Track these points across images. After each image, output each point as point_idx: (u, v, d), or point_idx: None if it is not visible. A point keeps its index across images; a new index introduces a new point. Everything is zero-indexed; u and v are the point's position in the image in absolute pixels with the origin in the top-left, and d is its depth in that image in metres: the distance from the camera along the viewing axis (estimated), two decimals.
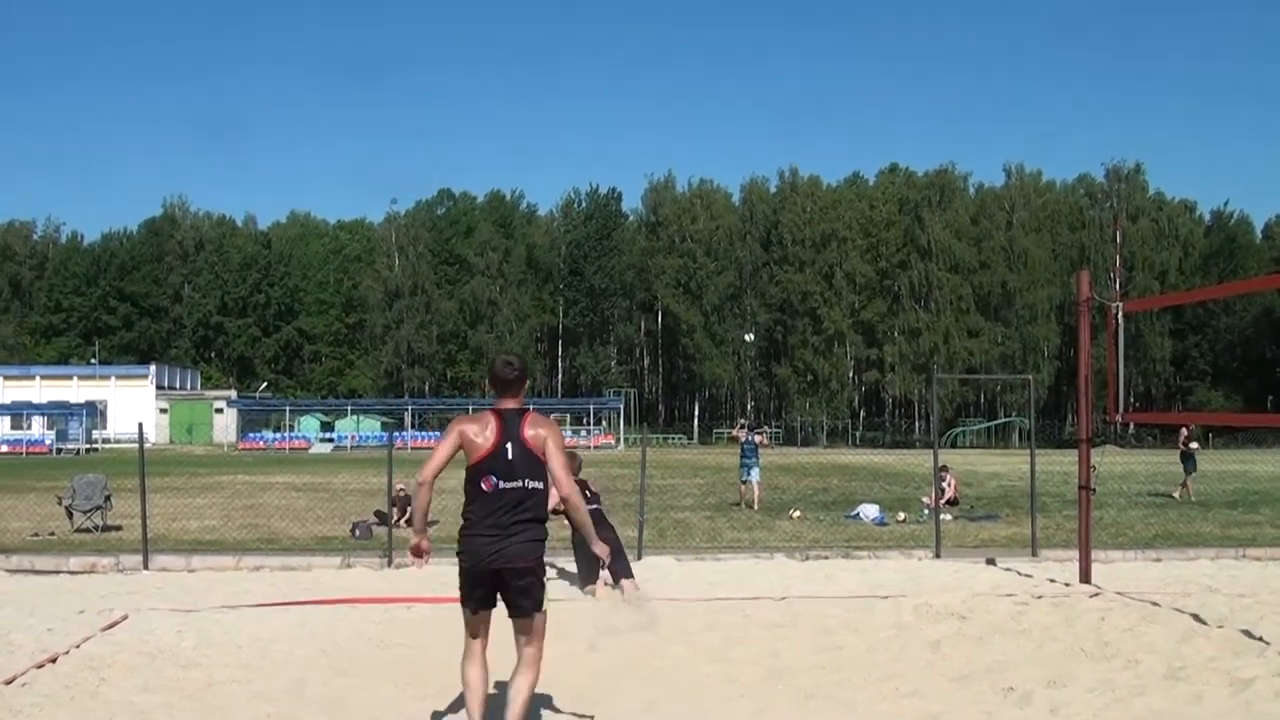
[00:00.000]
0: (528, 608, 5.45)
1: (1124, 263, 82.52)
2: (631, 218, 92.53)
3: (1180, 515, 18.75)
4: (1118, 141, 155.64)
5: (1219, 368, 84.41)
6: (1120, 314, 10.58)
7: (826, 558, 13.22)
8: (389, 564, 12.65)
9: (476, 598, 5.49)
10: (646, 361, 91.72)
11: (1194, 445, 23.47)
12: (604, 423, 70.66)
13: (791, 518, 18.02)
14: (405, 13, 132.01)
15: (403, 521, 16.57)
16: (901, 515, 18.09)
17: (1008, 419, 77.03)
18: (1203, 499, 21.94)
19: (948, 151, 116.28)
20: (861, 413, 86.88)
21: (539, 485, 5.42)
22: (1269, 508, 19.90)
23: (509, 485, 5.37)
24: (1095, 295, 11.39)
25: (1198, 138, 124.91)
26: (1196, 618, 9.04)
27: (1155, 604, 9.73)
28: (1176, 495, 22.47)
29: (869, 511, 18.05)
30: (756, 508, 19.96)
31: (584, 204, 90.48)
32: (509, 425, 5.42)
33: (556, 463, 5.45)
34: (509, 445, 5.38)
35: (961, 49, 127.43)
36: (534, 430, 5.43)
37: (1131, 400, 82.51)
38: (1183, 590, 10.67)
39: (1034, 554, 13.10)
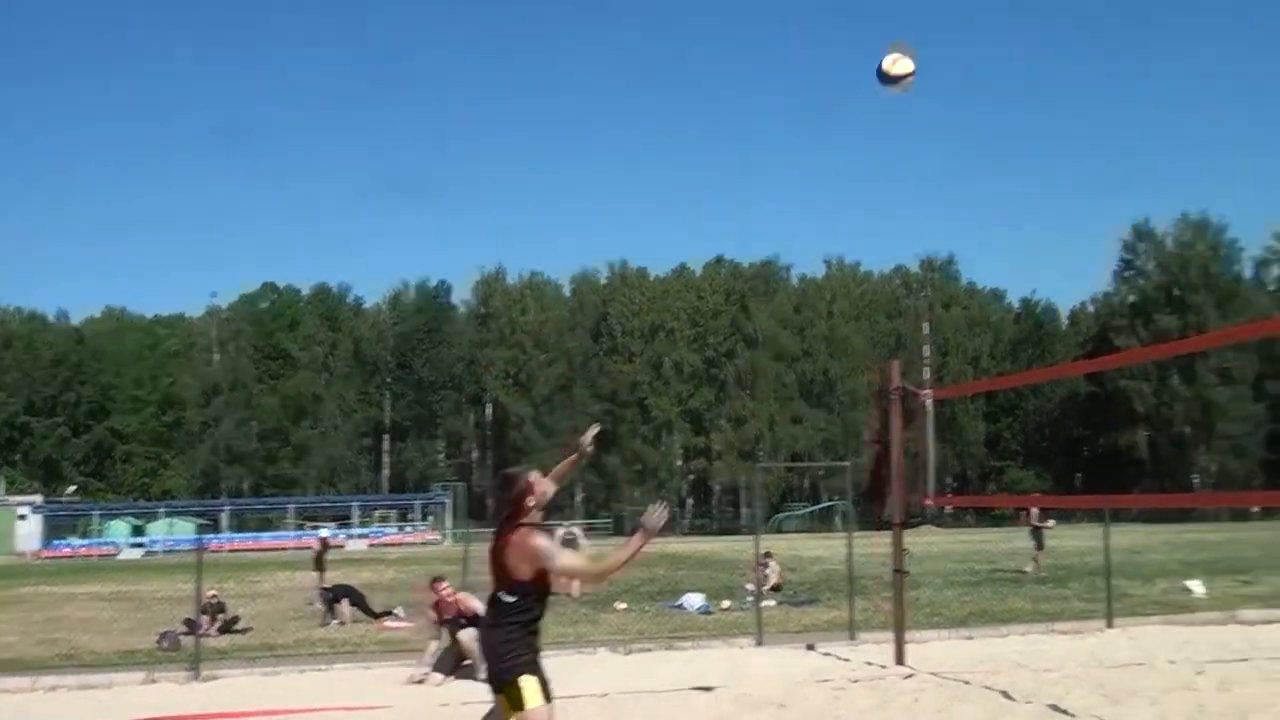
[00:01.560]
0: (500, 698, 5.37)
1: (939, 349, 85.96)
2: (461, 310, 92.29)
3: (994, 592, 19.30)
4: (931, 233, 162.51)
5: (1029, 448, 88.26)
6: (930, 401, 10.93)
7: (650, 650, 13.14)
8: (196, 676, 12.05)
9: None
10: (475, 455, 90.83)
11: (1050, 523, 24.08)
12: (430, 518, 69.51)
13: (616, 610, 17.92)
14: (241, 96, 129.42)
15: (214, 630, 15.89)
16: (726, 603, 18.15)
17: (830, 503, 78.56)
18: (1015, 576, 22.67)
19: (771, 244, 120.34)
20: (690, 500, 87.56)
21: (508, 598, 5.37)
22: (1076, 582, 20.62)
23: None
24: (904, 383, 11.75)
25: (1006, 229, 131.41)
26: (1006, 695, 9.30)
27: (966, 682, 9.96)
28: (1029, 570, 23.01)
29: (693, 601, 18.08)
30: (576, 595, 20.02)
31: (413, 296, 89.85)
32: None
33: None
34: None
35: (781, 144, 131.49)
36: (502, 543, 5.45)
37: (949, 481, 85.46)
38: (993, 668, 10.95)
39: (852, 637, 13.28)
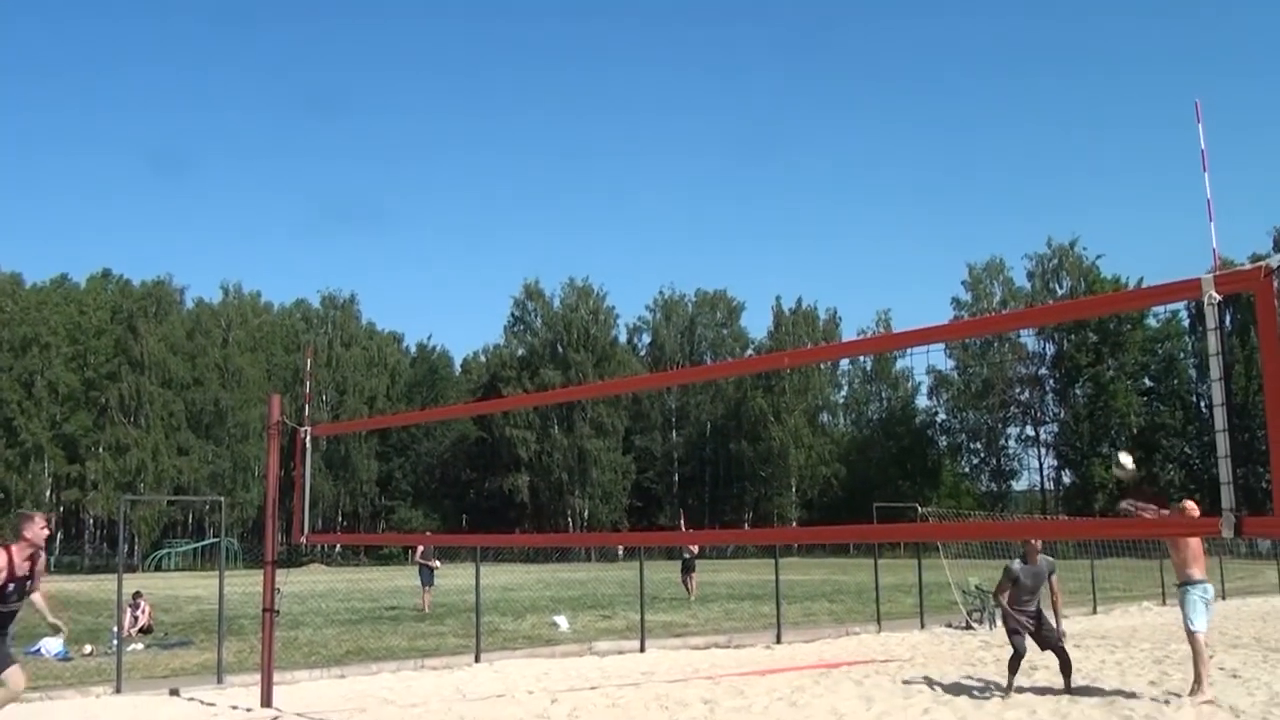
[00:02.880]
0: None
1: (338, 387, 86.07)
2: None
3: (373, 630, 19.49)
4: (334, 271, 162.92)
5: (420, 488, 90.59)
6: (309, 438, 10.94)
7: None
8: None
9: None
10: None
11: (436, 562, 24.53)
12: None
13: None
14: None
15: None
16: (89, 648, 16.87)
17: (216, 539, 75.65)
18: (395, 614, 23.08)
19: (165, 263, 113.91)
20: (60, 535, 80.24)
21: None
22: (454, 618, 21.33)
23: None
24: (285, 419, 11.70)
25: (406, 274, 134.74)
26: None
27: None
28: (426, 609, 23.29)
29: (51, 645, 16.58)
30: None
31: None
32: None
33: None
34: None
35: (181, 157, 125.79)
36: None
37: (340, 519, 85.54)
38: (360, 705, 11.12)
39: (220, 680, 12.89)
